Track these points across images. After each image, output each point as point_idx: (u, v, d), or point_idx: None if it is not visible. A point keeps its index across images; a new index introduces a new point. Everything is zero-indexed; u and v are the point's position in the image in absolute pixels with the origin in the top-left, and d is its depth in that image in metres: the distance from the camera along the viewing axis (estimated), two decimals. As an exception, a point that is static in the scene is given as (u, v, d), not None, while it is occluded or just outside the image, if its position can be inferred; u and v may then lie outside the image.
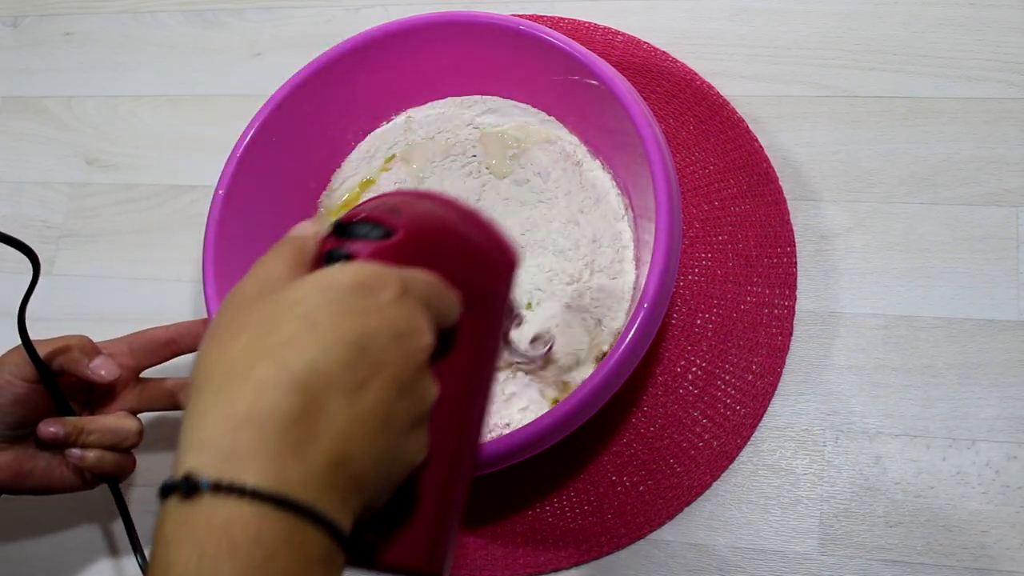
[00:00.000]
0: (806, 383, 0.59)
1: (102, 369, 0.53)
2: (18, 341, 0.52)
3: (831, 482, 0.57)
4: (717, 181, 0.64)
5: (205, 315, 0.56)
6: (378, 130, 0.66)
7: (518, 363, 0.57)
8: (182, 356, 0.59)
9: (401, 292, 0.33)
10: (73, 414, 0.54)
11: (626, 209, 0.60)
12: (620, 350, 0.49)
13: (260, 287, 0.33)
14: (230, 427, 0.29)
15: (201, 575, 0.27)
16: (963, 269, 0.59)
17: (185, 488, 0.28)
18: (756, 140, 0.64)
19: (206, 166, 0.72)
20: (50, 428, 0.52)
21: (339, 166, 0.65)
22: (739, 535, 0.57)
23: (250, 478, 0.28)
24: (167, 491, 0.29)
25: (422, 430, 0.34)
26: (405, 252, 0.35)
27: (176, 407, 0.58)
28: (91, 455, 0.53)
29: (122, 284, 0.72)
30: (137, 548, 0.55)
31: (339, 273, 0.33)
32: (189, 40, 0.79)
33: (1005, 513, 0.54)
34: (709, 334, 0.61)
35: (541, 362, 0.57)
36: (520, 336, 0.56)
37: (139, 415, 0.56)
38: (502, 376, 0.58)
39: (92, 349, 0.54)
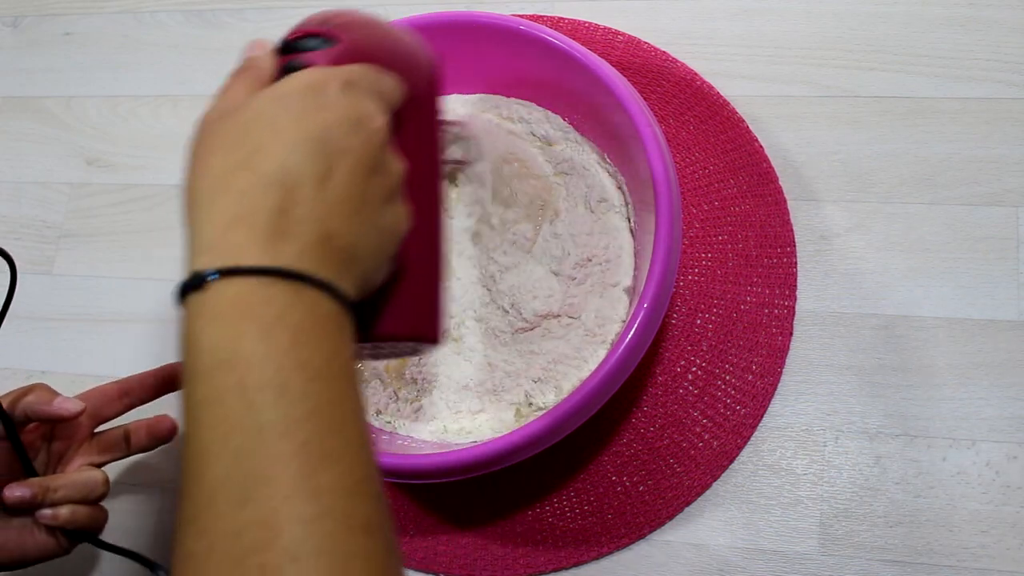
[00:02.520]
0: (806, 383, 0.59)
1: (67, 404, 0.51)
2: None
3: (831, 482, 0.57)
4: (717, 181, 0.64)
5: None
6: None
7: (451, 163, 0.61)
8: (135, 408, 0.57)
9: (346, 84, 0.37)
10: (36, 475, 0.52)
11: (625, 206, 0.60)
12: (620, 350, 0.49)
13: (223, 111, 0.36)
14: (223, 230, 0.33)
15: (225, 340, 0.31)
16: (963, 269, 0.59)
17: (196, 282, 0.32)
18: (756, 140, 0.64)
19: (206, 166, 0.72)
20: (15, 492, 0.50)
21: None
22: (739, 535, 0.57)
23: (250, 260, 0.32)
24: (182, 293, 0.32)
25: (398, 201, 0.38)
26: (350, 55, 0.39)
27: (131, 453, 0.56)
28: (63, 512, 0.51)
29: (122, 284, 0.72)
30: (158, 567, 0.54)
31: (288, 82, 0.37)
32: (189, 40, 0.79)
33: (1005, 513, 0.55)
34: (709, 334, 0.61)
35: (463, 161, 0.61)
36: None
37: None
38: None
39: (50, 393, 0.53)
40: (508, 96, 0.64)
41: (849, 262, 0.61)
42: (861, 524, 0.56)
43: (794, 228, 0.62)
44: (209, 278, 0.31)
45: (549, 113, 0.63)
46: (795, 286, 0.61)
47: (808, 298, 0.61)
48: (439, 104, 0.45)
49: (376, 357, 0.45)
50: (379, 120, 0.37)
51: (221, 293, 0.31)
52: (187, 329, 0.32)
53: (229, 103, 0.37)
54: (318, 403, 0.31)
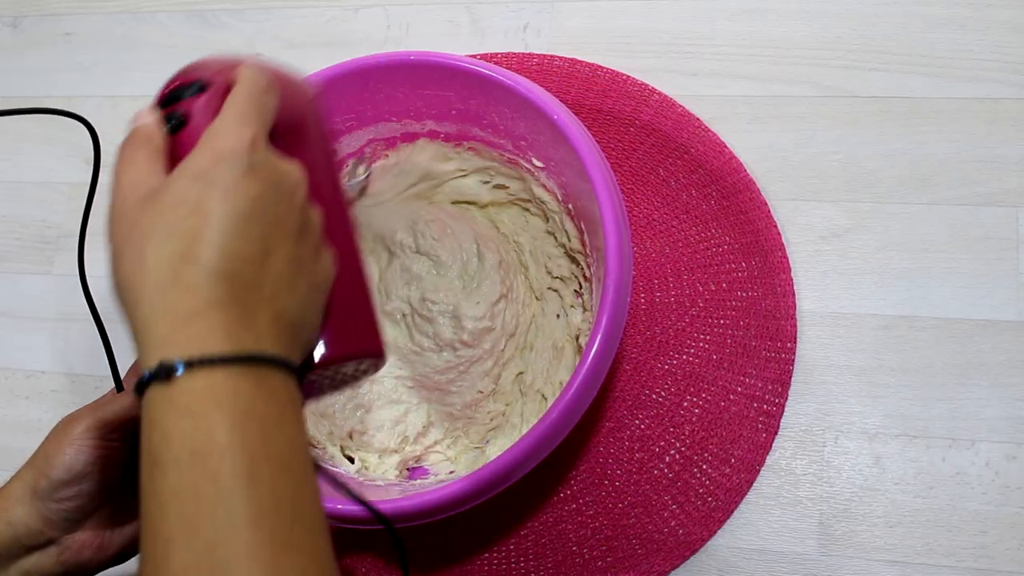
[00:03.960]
0: (806, 383, 0.59)
1: None
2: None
3: (831, 482, 0.57)
4: (729, 262, 0.62)
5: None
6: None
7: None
8: None
9: (252, 142, 0.35)
10: None
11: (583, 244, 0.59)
12: (562, 404, 0.47)
13: (137, 195, 0.35)
14: (181, 324, 0.32)
15: (198, 432, 0.31)
16: (963, 269, 0.59)
17: (163, 373, 0.32)
18: (775, 226, 0.62)
19: (206, 166, 0.72)
20: None
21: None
22: (739, 535, 0.57)
23: (215, 350, 0.32)
24: (143, 385, 0.32)
25: (324, 249, 0.39)
26: (224, 94, 0.39)
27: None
28: None
29: (122, 284, 0.72)
30: None
31: (200, 158, 0.35)
32: (189, 40, 0.79)
33: (1005, 513, 0.54)
34: (694, 418, 0.59)
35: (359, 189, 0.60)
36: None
37: None
38: None
39: None
40: (482, 142, 0.62)
41: (849, 262, 0.61)
42: (860, 524, 0.56)
43: (794, 228, 0.62)
44: (178, 370, 0.32)
45: (530, 175, 0.61)
46: (788, 384, 0.59)
47: (808, 298, 0.61)
48: (325, 127, 0.45)
49: (322, 393, 0.44)
50: (295, 174, 0.37)
51: (190, 385, 0.32)
52: (154, 419, 0.32)
53: (138, 185, 0.36)
54: (285, 493, 0.31)
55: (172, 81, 0.41)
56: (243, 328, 0.33)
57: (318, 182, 0.41)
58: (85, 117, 0.48)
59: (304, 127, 0.43)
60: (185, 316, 0.33)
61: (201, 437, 0.31)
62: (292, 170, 0.37)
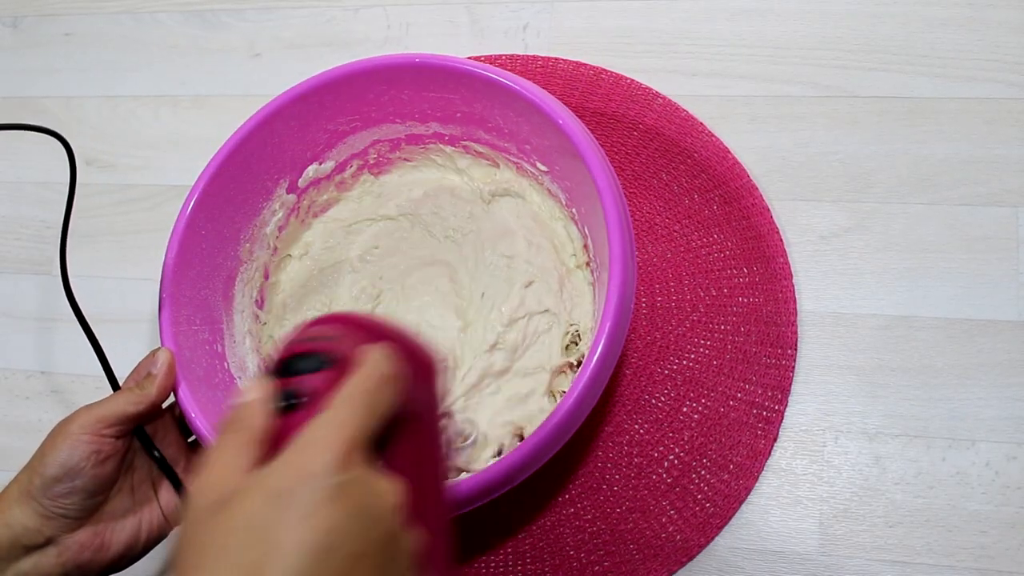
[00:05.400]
0: (806, 383, 0.59)
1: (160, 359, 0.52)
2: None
3: (831, 482, 0.57)
4: (731, 267, 0.62)
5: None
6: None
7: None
8: None
9: (345, 459, 0.31)
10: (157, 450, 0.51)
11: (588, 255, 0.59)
12: (563, 409, 0.47)
13: (212, 495, 0.31)
14: None
15: None
16: (963, 269, 0.59)
17: None
18: (777, 232, 0.62)
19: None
20: None
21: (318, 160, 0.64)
22: (739, 535, 0.57)
23: None
24: None
25: (415, 564, 0.33)
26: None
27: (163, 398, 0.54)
28: None
29: (122, 284, 0.72)
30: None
31: (282, 472, 0.31)
32: (189, 40, 0.79)
33: (1005, 513, 0.55)
34: (693, 424, 0.59)
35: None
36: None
37: None
38: None
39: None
40: (486, 145, 0.62)
41: (849, 262, 0.61)
42: (860, 524, 0.56)
43: (794, 228, 0.62)
44: None
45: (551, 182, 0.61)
46: (788, 391, 0.59)
47: (808, 298, 0.61)
48: (442, 399, 0.41)
49: None
50: (391, 496, 0.32)
51: None
52: None
53: (216, 480, 0.32)
54: None
55: (294, 342, 0.36)
56: None
57: (424, 472, 0.37)
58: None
59: (422, 411, 0.38)
60: None
61: None
62: (388, 491, 0.32)
